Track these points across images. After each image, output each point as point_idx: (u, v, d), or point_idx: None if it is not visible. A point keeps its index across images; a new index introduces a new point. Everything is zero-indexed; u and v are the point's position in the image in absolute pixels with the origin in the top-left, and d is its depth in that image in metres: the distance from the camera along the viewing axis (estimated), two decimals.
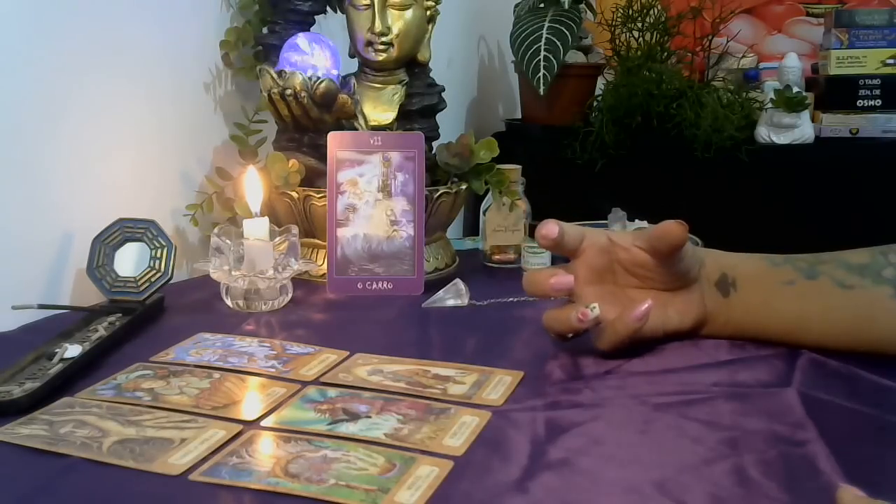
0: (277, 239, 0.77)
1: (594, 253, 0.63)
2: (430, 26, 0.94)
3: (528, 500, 0.41)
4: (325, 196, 0.84)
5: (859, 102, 1.53)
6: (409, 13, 0.90)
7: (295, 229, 0.79)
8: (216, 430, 0.48)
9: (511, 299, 0.79)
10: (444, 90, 0.97)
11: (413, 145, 0.84)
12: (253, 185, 0.81)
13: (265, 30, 0.95)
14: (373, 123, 0.91)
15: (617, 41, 1.57)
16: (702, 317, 0.64)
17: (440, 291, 0.79)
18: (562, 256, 0.65)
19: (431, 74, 0.96)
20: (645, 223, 1.00)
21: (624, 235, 0.65)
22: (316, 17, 0.95)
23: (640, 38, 1.55)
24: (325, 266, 0.85)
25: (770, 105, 1.46)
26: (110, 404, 0.53)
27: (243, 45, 0.96)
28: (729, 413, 0.51)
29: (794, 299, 0.61)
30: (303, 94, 0.84)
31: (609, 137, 1.45)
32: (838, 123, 1.53)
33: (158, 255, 0.75)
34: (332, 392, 0.55)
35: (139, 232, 0.75)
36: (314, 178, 0.89)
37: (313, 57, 0.86)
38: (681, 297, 0.64)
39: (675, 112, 1.43)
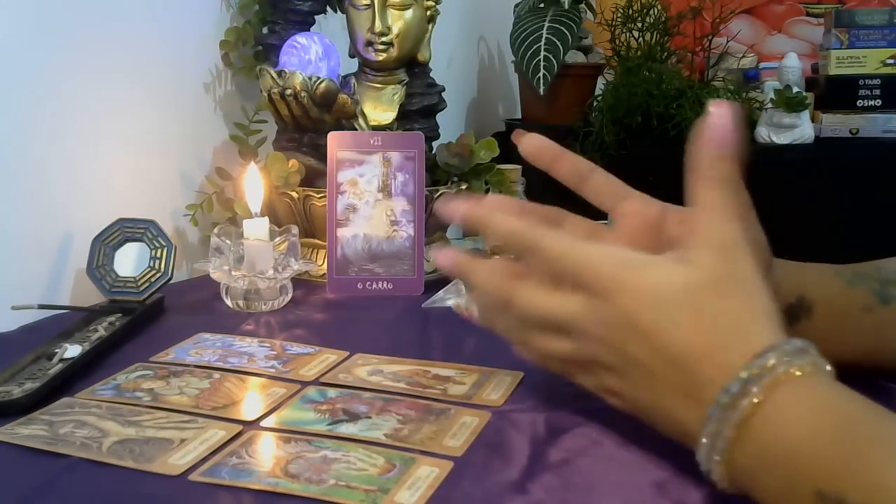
0: (277, 239, 0.77)
1: (640, 224, 0.49)
2: (430, 26, 0.94)
3: (528, 500, 0.41)
4: (325, 196, 0.84)
5: (859, 102, 1.53)
6: (409, 13, 0.90)
7: (295, 229, 0.79)
8: (216, 431, 0.48)
9: None
10: (444, 90, 0.97)
11: (413, 145, 0.84)
12: (253, 185, 0.81)
13: (265, 30, 0.95)
14: (373, 123, 0.91)
15: (617, 41, 1.58)
16: None
17: (440, 291, 0.79)
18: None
19: (431, 74, 0.96)
20: None
21: (683, 208, 0.48)
22: (316, 17, 0.95)
23: (640, 38, 1.55)
24: (325, 266, 0.85)
25: (770, 105, 1.46)
26: (110, 404, 0.53)
27: (243, 45, 0.96)
28: None
29: (870, 332, 0.53)
30: (303, 94, 0.84)
31: (609, 137, 1.45)
32: (838, 123, 1.53)
33: (158, 255, 0.75)
34: (331, 392, 0.55)
35: (139, 232, 0.75)
36: (314, 178, 0.88)
37: (313, 57, 0.86)
38: None
39: (675, 112, 1.43)
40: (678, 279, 0.41)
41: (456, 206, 0.51)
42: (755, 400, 0.37)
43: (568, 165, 0.51)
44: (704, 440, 0.38)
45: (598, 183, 0.51)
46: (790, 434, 0.36)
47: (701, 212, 0.43)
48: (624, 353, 0.42)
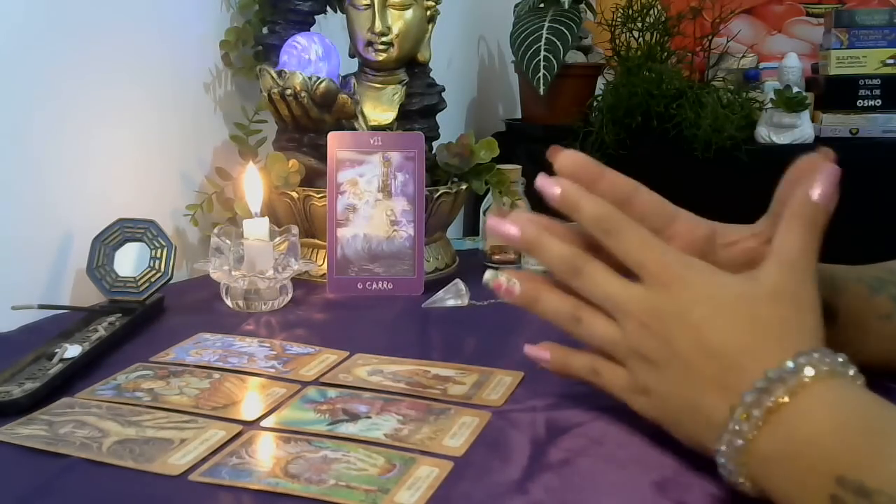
0: (277, 239, 0.77)
1: (688, 246, 0.48)
2: (430, 26, 0.94)
3: (528, 500, 0.41)
4: (325, 196, 0.84)
5: (859, 102, 1.53)
6: (409, 13, 0.90)
7: (295, 229, 0.79)
8: (216, 431, 0.48)
9: None
10: (444, 90, 0.97)
11: (413, 145, 0.84)
12: (253, 185, 0.81)
13: (265, 30, 0.95)
14: (373, 123, 0.91)
15: (617, 41, 1.57)
16: None
17: (440, 291, 0.79)
18: None
19: (431, 74, 0.96)
20: None
21: (730, 228, 0.50)
22: (316, 17, 0.95)
23: (640, 38, 1.55)
24: (325, 266, 0.85)
25: (770, 105, 1.46)
26: (110, 404, 0.53)
27: (243, 45, 0.96)
28: None
29: (888, 338, 0.54)
30: (303, 94, 0.84)
31: (609, 137, 1.45)
32: (838, 123, 1.53)
33: (158, 255, 0.75)
34: (331, 392, 0.55)
35: (139, 232, 0.75)
36: (314, 178, 0.88)
37: (313, 57, 0.86)
38: None
39: (675, 112, 1.43)
40: (738, 287, 0.43)
41: (556, 180, 0.49)
42: (791, 387, 0.38)
43: (609, 185, 0.49)
44: (731, 425, 0.39)
45: (643, 203, 0.49)
46: (818, 422, 0.37)
47: (780, 245, 0.44)
48: (668, 343, 0.44)
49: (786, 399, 0.38)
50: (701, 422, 0.42)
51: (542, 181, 0.49)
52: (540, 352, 0.52)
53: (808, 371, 0.39)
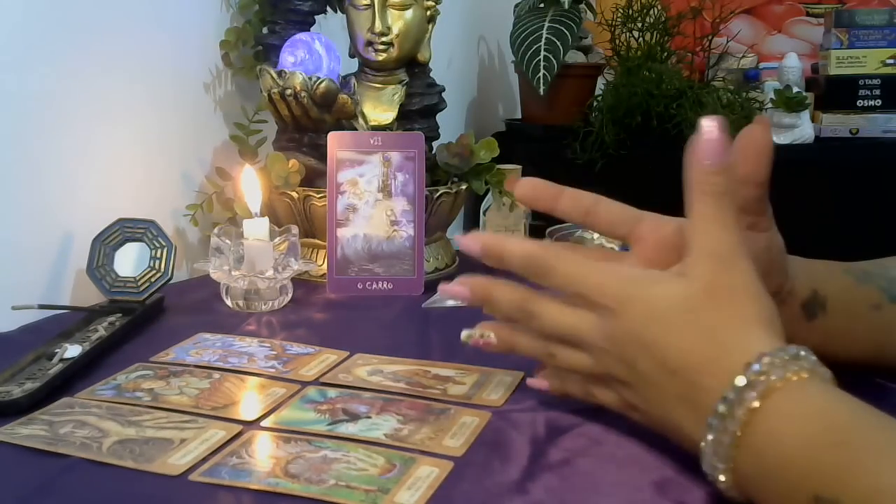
0: (277, 239, 0.77)
1: (657, 245, 0.48)
2: (430, 26, 0.94)
3: (528, 500, 0.41)
4: (325, 196, 0.84)
5: (859, 102, 1.53)
6: (409, 13, 0.90)
7: (295, 229, 0.79)
8: (216, 431, 0.48)
9: None
10: (444, 90, 0.97)
11: (413, 145, 0.84)
12: (252, 185, 0.81)
13: (265, 30, 0.95)
14: (373, 123, 0.91)
15: (617, 41, 1.57)
16: None
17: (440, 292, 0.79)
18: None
19: (431, 74, 0.96)
20: None
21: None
22: (316, 17, 0.95)
23: (640, 38, 1.55)
24: (325, 266, 0.85)
25: (770, 105, 1.46)
26: (110, 404, 0.53)
27: (243, 45, 0.96)
28: None
29: (880, 328, 0.54)
30: (303, 94, 0.84)
31: (609, 137, 1.45)
32: (838, 123, 1.53)
33: (158, 255, 0.75)
34: (331, 392, 0.55)
35: (139, 232, 0.75)
36: (314, 178, 0.88)
37: (313, 57, 0.86)
38: None
39: (675, 112, 1.43)
40: (678, 292, 0.43)
41: (475, 237, 0.51)
42: (751, 407, 0.38)
43: (570, 202, 0.51)
44: (706, 449, 0.39)
45: (606, 213, 0.51)
46: (785, 441, 0.37)
47: (696, 224, 0.44)
48: (634, 367, 0.44)
49: (748, 420, 0.38)
50: (688, 441, 0.42)
51: (463, 241, 0.51)
52: (539, 383, 0.52)
53: (762, 384, 0.38)
